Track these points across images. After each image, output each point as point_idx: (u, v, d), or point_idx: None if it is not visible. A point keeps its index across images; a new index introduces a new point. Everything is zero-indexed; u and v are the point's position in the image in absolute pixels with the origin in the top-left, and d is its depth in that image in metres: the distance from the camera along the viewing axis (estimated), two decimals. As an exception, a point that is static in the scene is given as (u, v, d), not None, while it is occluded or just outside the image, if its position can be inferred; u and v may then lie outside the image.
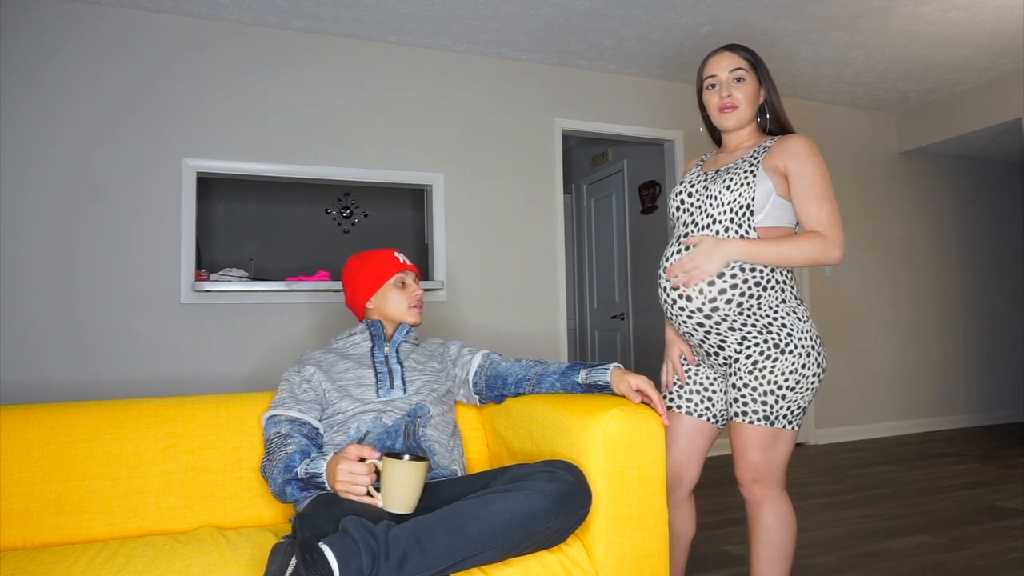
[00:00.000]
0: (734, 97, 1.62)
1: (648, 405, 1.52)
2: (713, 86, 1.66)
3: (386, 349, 1.77)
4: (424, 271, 4.10)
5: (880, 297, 4.90)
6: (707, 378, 1.70)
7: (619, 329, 4.97)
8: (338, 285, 3.33)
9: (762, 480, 1.57)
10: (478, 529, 1.23)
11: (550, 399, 1.64)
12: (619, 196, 5.04)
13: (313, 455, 1.50)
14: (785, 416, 1.54)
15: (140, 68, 3.20)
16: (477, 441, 1.90)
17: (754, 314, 1.55)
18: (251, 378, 3.25)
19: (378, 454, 1.37)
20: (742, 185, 1.57)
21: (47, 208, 3.02)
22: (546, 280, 3.91)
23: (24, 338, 2.94)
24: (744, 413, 1.55)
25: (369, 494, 1.35)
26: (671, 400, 1.74)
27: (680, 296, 1.59)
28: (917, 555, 2.39)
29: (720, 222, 1.58)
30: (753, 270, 1.55)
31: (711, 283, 1.55)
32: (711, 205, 1.61)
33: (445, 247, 3.69)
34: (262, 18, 3.34)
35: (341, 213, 5.18)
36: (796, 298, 1.60)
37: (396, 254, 1.84)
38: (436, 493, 1.51)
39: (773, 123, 1.69)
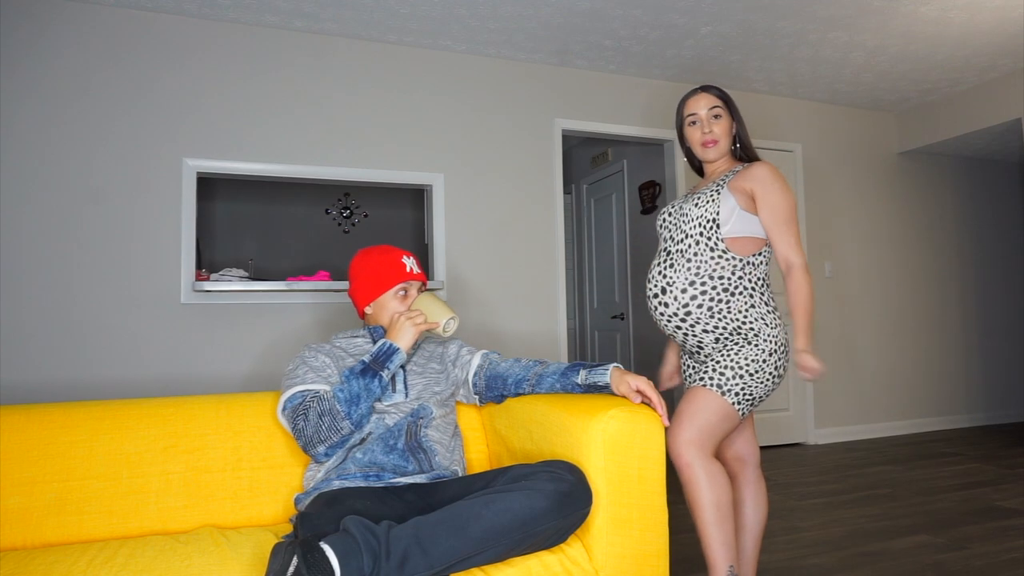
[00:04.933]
0: (714, 132, 1.85)
1: (648, 405, 1.52)
2: (694, 123, 1.88)
3: None
4: (424, 271, 4.10)
5: (880, 297, 4.90)
6: None
7: (619, 329, 4.97)
8: (338, 285, 3.33)
9: (695, 443, 1.64)
10: (479, 529, 1.23)
11: (550, 399, 1.64)
12: (619, 196, 5.05)
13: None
14: (737, 394, 1.67)
15: (140, 68, 3.20)
16: (477, 441, 1.90)
17: (724, 317, 1.72)
18: (251, 378, 3.25)
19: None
20: (708, 202, 1.77)
21: (47, 208, 3.02)
22: (546, 280, 3.91)
23: (24, 338, 2.94)
24: (701, 379, 1.71)
25: (427, 324, 1.64)
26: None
27: (660, 303, 1.80)
28: (917, 555, 2.39)
29: (691, 236, 1.78)
30: (721, 278, 1.72)
31: (684, 290, 1.75)
32: (684, 222, 1.81)
33: (445, 247, 3.69)
34: (262, 18, 3.34)
35: (341, 213, 5.18)
36: (767, 304, 1.75)
37: (404, 259, 1.75)
38: (437, 493, 1.51)
39: (742, 151, 1.91)
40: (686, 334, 1.77)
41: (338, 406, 1.51)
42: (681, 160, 4.30)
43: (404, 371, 1.71)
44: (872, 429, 4.79)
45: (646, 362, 4.64)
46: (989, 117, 4.42)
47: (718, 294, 1.72)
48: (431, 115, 3.72)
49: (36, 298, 2.97)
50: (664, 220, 1.90)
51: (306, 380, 1.60)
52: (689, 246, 1.77)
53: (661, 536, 1.44)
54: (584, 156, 5.58)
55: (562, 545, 1.38)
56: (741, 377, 1.67)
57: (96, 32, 3.14)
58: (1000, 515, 2.85)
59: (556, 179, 3.98)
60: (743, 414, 1.69)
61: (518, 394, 1.74)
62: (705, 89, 1.88)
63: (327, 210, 5.15)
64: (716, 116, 1.85)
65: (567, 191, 5.70)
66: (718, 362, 1.70)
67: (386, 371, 1.57)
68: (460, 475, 1.65)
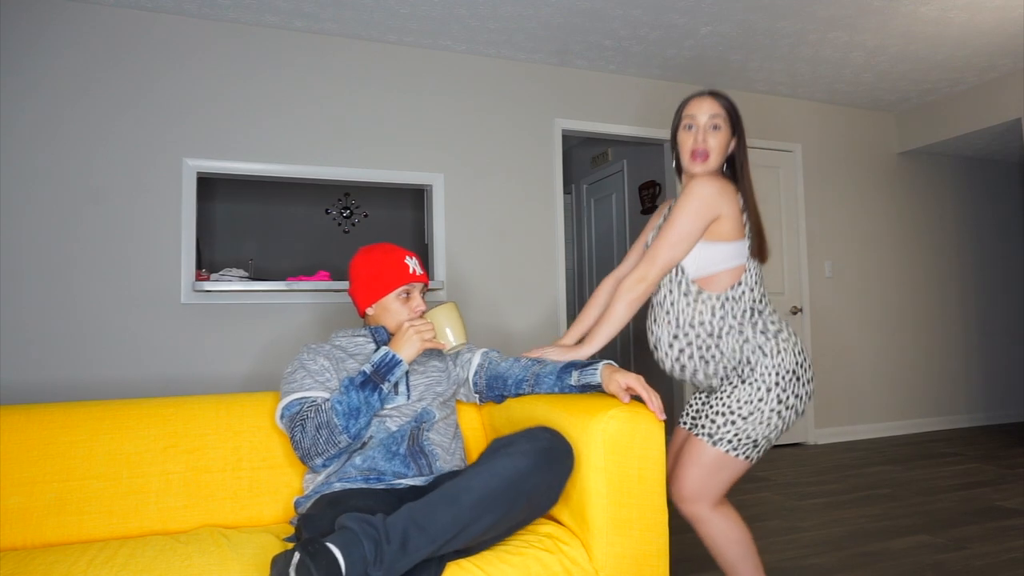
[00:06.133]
0: (708, 144, 1.64)
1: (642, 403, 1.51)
2: (690, 127, 1.68)
3: None
4: (426, 271, 4.10)
5: (880, 297, 4.90)
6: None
7: (619, 329, 4.97)
8: (338, 285, 3.33)
9: (694, 498, 1.60)
10: (471, 497, 1.26)
11: (550, 399, 1.64)
12: (619, 196, 5.05)
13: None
14: (730, 442, 1.57)
15: (140, 68, 3.20)
16: (477, 441, 1.90)
17: (719, 360, 1.61)
18: (251, 378, 3.25)
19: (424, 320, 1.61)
20: None
21: (47, 208, 3.02)
22: (546, 280, 3.91)
23: (24, 338, 2.94)
24: (695, 425, 1.64)
25: (434, 343, 1.60)
26: (684, 418, 1.81)
27: (657, 359, 1.72)
28: (917, 555, 2.39)
29: (664, 286, 1.69)
30: (702, 323, 1.61)
31: (670, 345, 1.66)
32: None
33: (445, 247, 3.69)
34: (262, 18, 3.34)
35: (341, 213, 5.18)
36: (763, 333, 1.60)
37: (407, 259, 1.71)
38: (433, 487, 1.51)
39: (731, 172, 1.71)
40: (691, 380, 1.68)
41: (335, 419, 1.47)
42: (681, 160, 4.30)
43: (406, 372, 1.70)
44: (872, 429, 4.79)
45: (646, 362, 4.65)
46: (989, 117, 4.42)
47: (703, 341, 1.61)
48: (431, 115, 3.72)
49: (36, 298, 2.97)
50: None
51: (304, 387, 1.57)
52: (664, 296, 1.67)
53: (661, 536, 1.44)
54: (584, 156, 5.58)
55: (562, 546, 1.38)
56: (733, 423, 1.56)
57: (96, 32, 3.14)
58: (1000, 515, 2.85)
59: (556, 179, 3.98)
60: (748, 458, 1.59)
61: (518, 395, 1.73)
62: (712, 94, 1.69)
63: (327, 210, 5.15)
64: (715, 127, 1.65)
65: (567, 191, 5.70)
66: (712, 406, 1.61)
67: (387, 383, 1.54)
68: (459, 475, 1.64)
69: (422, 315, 1.70)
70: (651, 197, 4.61)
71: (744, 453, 1.58)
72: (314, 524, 1.32)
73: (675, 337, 1.65)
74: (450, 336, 1.62)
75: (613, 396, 1.53)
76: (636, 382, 1.50)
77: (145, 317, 3.12)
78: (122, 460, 1.61)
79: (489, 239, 3.79)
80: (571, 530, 1.47)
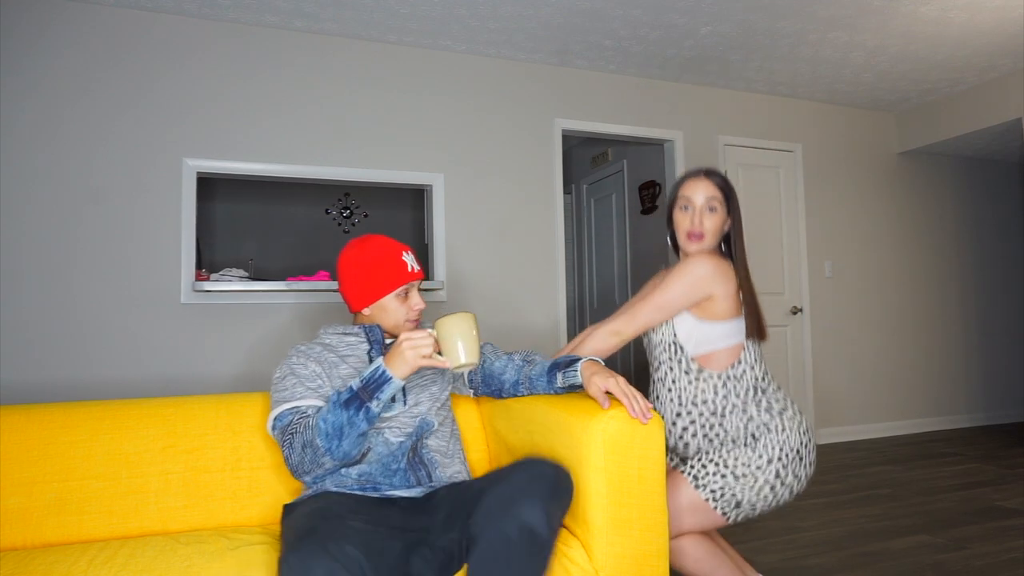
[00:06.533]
0: (704, 226, 1.66)
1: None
2: (686, 208, 1.69)
3: None
4: (424, 271, 4.10)
5: (880, 297, 4.90)
6: None
7: (619, 329, 4.97)
8: (337, 285, 3.32)
9: None
10: (518, 552, 1.21)
11: (549, 399, 1.63)
12: (619, 196, 5.05)
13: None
14: (713, 491, 1.57)
15: (140, 68, 3.20)
16: (477, 441, 1.90)
17: (723, 437, 1.61)
18: (251, 378, 3.25)
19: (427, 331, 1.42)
20: (663, 324, 1.67)
21: (47, 208, 3.02)
22: (546, 280, 3.91)
23: (24, 338, 2.94)
24: (683, 462, 1.65)
25: (434, 360, 1.40)
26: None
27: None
28: (917, 555, 2.39)
29: (664, 363, 1.69)
30: (705, 402, 1.61)
31: (673, 423, 1.66)
32: (652, 347, 1.73)
33: (445, 247, 3.69)
34: (262, 18, 3.34)
35: (341, 213, 5.18)
36: (768, 411, 1.61)
37: (404, 256, 1.62)
38: (431, 501, 1.50)
39: (727, 249, 1.74)
40: (696, 455, 1.67)
41: (318, 440, 1.37)
42: (681, 161, 4.30)
43: None
44: (872, 429, 4.79)
45: (645, 362, 4.64)
46: (989, 117, 4.42)
47: (706, 419, 1.61)
48: (431, 115, 3.72)
49: (36, 298, 2.97)
50: (646, 342, 1.79)
51: (295, 395, 1.48)
52: (665, 373, 1.68)
53: (661, 536, 1.44)
54: (584, 156, 5.58)
55: (562, 546, 1.38)
56: (723, 476, 1.56)
57: (96, 32, 3.14)
58: (1000, 515, 2.85)
59: (556, 179, 3.98)
60: (725, 515, 1.57)
61: (515, 395, 1.72)
62: (708, 175, 1.69)
63: (327, 210, 5.15)
64: (711, 208, 1.66)
65: (567, 191, 5.70)
66: (707, 454, 1.61)
67: (375, 402, 1.39)
68: (462, 477, 1.62)
69: (420, 321, 1.65)
70: (651, 197, 4.61)
71: (723, 508, 1.57)
72: (292, 513, 1.34)
73: (677, 415, 1.65)
74: (460, 352, 1.41)
75: (594, 399, 1.49)
76: (615, 385, 1.43)
77: (145, 317, 3.12)
78: (122, 460, 1.61)
79: (489, 239, 3.79)
80: (571, 530, 1.47)
